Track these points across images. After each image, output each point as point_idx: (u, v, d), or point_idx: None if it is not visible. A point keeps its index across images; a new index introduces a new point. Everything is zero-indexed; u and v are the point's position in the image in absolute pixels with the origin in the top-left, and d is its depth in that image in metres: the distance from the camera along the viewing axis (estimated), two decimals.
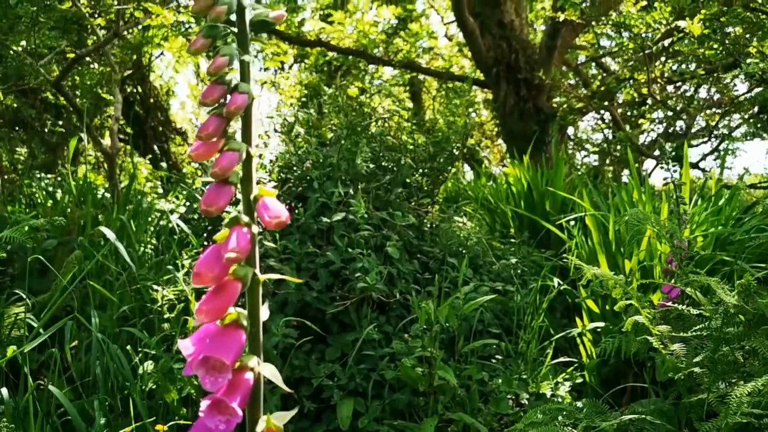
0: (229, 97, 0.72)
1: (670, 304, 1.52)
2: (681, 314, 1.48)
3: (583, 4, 5.09)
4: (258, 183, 0.75)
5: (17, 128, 6.51)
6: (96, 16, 3.92)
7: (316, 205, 2.70)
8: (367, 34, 7.35)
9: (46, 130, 6.74)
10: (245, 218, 0.77)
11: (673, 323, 1.55)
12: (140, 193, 4.53)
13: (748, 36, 4.05)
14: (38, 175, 6.35)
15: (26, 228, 2.26)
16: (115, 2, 3.38)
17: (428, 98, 11.69)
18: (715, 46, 3.96)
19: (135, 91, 9.02)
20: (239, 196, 0.80)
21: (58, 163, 7.55)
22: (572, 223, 3.22)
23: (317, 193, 2.73)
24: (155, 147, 9.45)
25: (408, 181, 3.08)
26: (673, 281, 1.77)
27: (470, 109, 10.39)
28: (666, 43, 5.34)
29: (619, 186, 3.56)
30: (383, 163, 3.06)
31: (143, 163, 9.12)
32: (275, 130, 3.03)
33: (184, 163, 9.51)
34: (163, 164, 8.12)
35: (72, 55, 3.80)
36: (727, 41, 3.89)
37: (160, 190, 5.84)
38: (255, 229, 0.77)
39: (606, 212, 3.06)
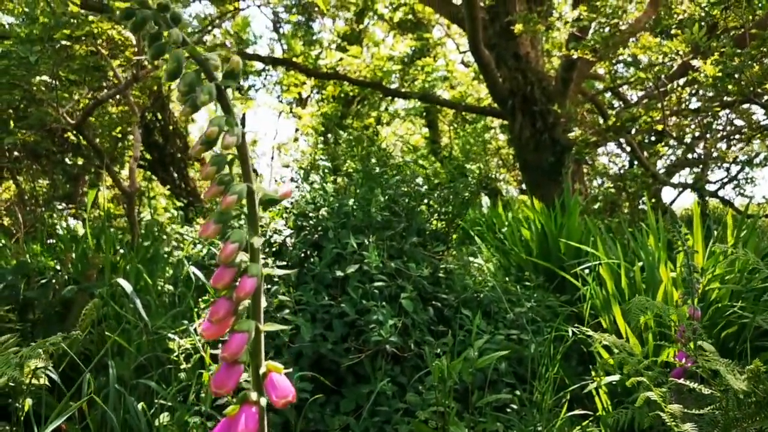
0: (239, 280, 0.74)
1: (682, 381, 1.52)
2: (693, 389, 1.48)
3: (592, 43, 5.10)
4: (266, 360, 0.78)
5: (40, 159, 6.62)
6: (115, 56, 4.00)
7: (331, 254, 2.72)
8: (382, 68, 7.41)
9: (67, 160, 6.86)
10: (254, 396, 0.79)
11: (686, 396, 1.54)
12: (158, 224, 4.58)
13: (762, 73, 4.05)
14: (59, 206, 6.43)
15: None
16: (135, 49, 3.46)
17: (444, 124, 11.72)
18: (730, 86, 3.95)
19: (155, 118, 9.17)
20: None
21: (79, 191, 7.67)
22: (587, 270, 3.21)
23: (332, 243, 2.75)
24: (174, 173, 9.59)
25: (422, 228, 3.09)
26: (683, 361, 1.77)
27: (486, 135, 10.40)
28: (681, 82, 5.34)
29: (633, 232, 3.54)
30: (397, 209, 3.08)
31: (161, 191, 9.25)
32: (292, 179, 3.07)
33: (202, 188, 9.64)
34: (183, 200, 8.24)
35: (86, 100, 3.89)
36: (742, 81, 3.89)
37: (178, 220, 5.90)
38: (263, 401, 0.79)
39: (620, 257, 3.05)
